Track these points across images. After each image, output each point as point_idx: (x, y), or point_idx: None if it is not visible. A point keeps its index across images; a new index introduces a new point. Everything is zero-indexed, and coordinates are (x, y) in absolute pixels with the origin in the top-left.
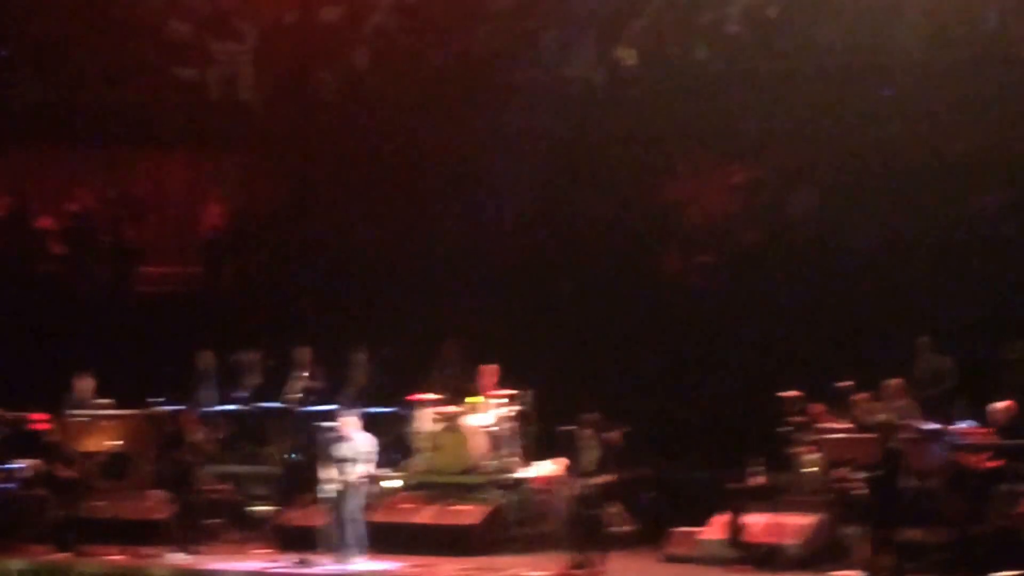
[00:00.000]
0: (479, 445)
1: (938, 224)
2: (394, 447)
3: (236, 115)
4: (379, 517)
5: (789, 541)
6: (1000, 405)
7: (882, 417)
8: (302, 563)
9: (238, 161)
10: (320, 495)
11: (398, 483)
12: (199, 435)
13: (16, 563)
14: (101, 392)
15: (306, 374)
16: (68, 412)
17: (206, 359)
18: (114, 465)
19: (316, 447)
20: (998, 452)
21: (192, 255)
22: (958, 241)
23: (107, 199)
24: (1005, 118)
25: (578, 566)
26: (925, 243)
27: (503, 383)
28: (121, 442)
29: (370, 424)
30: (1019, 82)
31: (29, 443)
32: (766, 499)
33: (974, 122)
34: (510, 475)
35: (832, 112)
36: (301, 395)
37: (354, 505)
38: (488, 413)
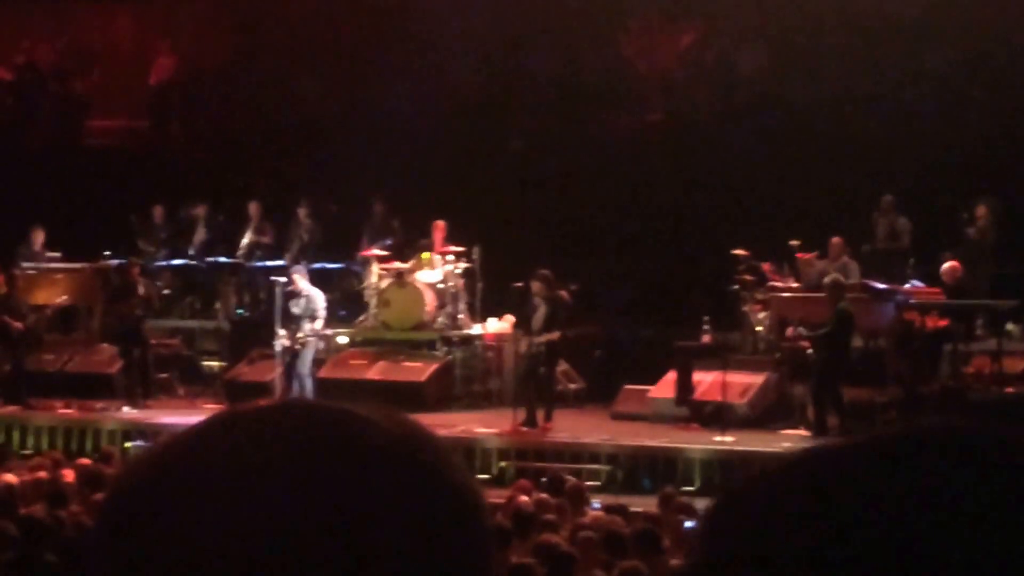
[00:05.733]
0: (428, 301)
1: (890, 82)
2: (343, 303)
3: None
4: (328, 373)
5: (736, 400)
6: (947, 265)
7: (832, 276)
8: None
9: (187, 12)
10: (269, 350)
11: (347, 339)
12: (147, 289)
13: None
14: (50, 245)
15: (254, 229)
16: (18, 265)
17: (155, 213)
18: (64, 318)
19: (265, 302)
20: (945, 312)
21: (141, 108)
22: (910, 99)
23: (56, 51)
24: None
25: (527, 423)
26: (877, 101)
27: (452, 239)
28: (70, 296)
29: (319, 279)
30: None
31: None
32: (715, 357)
33: None
34: (459, 331)
35: None
36: (249, 250)
37: (303, 360)
38: (437, 269)
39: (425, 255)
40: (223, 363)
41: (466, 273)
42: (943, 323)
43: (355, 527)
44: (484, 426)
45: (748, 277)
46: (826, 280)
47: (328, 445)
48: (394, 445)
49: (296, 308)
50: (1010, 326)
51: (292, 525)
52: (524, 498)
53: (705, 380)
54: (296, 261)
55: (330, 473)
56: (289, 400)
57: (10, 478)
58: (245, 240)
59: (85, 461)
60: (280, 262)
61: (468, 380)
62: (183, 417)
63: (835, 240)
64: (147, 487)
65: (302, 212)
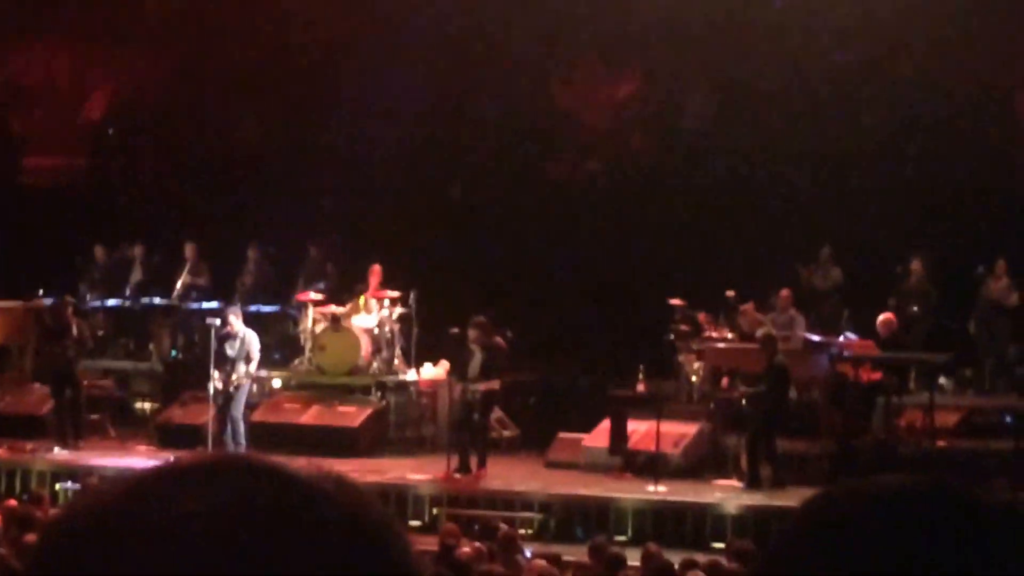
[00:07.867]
0: (364, 346)
1: (833, 136)
2: (278, 346)
3: (124, 3)
4: (261, 416)
5: (670, 449)
6: (881, 317)
7: (764, 329)
8: None
9: (126, 51)
10: (202, 392)
11: (281, 382)
12: (80, 330)
13: None
14: None
15: (190, 270)
16: None
17: (89, 252)
18: None
19: (199, 345)
20: (879, 365)
21: (78, 146)
22: (853, 153)
23: None
24: (899, 33)
25: (460, 469)
26: (818, 154)
27: (388, 284)
28: (2, 335)
29: (254, 322)
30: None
31: None
32: (649, 407)
33: (869, 34)
34: (394, 377)
35: (732, 22)
36: (184, 291)
37: (237, 403)
38: (373, 314)
39: (361, 299)
40: (156, 405)
41: (402, 318)
42: (876, 376)
43: None
44: (417, 472)
45: (684, 327)
46: (758, 333)
47: (273, 513)
48: (342, 522)
49: (231, 350)
50: (943, 380)
51: None
52: (466, 549)
53: (639, 429)
54: (235, 302)
55: (271, 544)
56: (234, 456)
57: None
58: (180, 281)
59: (12, 503)
60: (216, 304)
61: (402, 426)
62: (114, 459)
63: (784, 292)
64: (83, 533)
65: (252, 254)
